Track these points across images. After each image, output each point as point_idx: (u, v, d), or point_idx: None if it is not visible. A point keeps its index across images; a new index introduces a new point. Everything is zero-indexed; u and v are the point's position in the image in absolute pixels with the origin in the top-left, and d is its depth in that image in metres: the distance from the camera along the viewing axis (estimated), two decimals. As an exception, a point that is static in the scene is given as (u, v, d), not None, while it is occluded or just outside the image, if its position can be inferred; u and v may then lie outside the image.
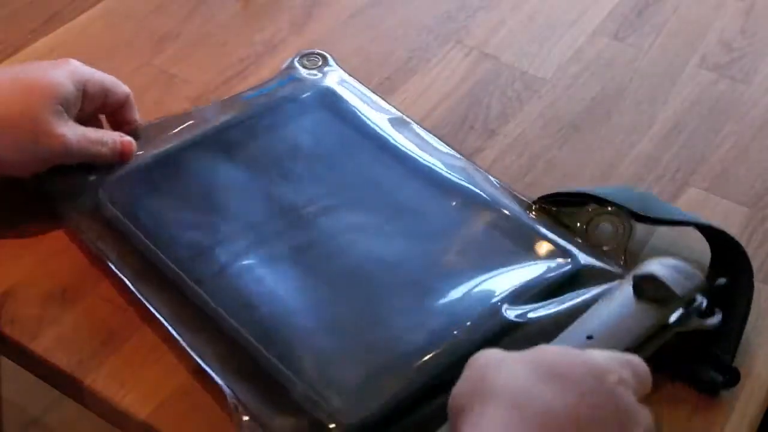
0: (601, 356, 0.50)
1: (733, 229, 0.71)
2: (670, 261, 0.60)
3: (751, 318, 0.64)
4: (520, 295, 0.62)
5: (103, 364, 0.60)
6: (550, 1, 0.93)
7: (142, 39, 0.85)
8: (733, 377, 0.61)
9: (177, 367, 0.60)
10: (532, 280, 0.63)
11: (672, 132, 0.79)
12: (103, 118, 0.73)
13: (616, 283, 0.61)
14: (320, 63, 0.81)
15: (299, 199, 0.68)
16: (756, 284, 0.66)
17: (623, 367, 0.50)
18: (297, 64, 0.81)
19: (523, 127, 0.79)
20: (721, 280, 0.62)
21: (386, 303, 0.62)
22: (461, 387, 0.49)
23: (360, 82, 0.80)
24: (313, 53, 0.82)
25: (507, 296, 0.62)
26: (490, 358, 0.50)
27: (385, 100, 0.78)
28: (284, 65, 0.81)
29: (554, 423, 0.46)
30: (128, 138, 0.71)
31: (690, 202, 0.73)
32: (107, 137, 0.69)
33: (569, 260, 0.65)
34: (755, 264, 0.68)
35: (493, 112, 0.80)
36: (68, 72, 0.68)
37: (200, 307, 0.61)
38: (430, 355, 0.58)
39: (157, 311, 0.61)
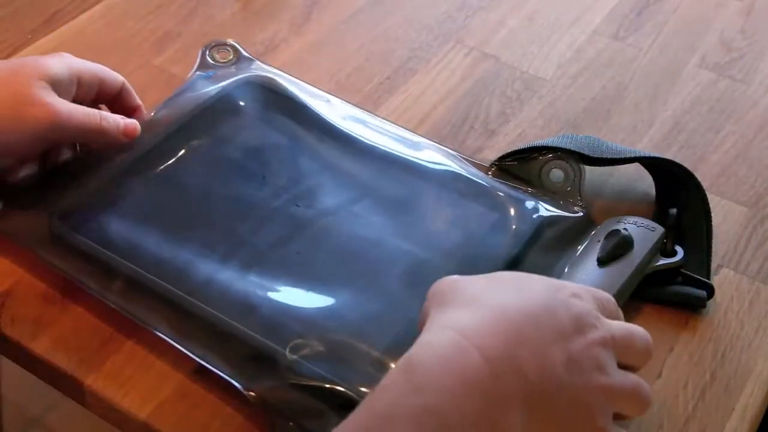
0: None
1: (732, 229, 0.71)
2: (629, 218, 0.67)
3: (752, 318, 0.65)
4: (495, 254, 0.65)
5: (103, 364, 0.60)
6: (550, 1, 0.93)
7: (142, 39, 0.85)
8: (710, 291, 0.65)
9: (177, 367, 0.60)
10: (504, 236, 0.66)
11: (672, 132, 0.79)
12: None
13: (589, 237, 0.67)
14: (231, 56, 0.79)
15: (263, 194, 0.68)
16: (756, 284, 0.67)
17: (583, 290, 0.53)
18: (209, 59, 0.79)
19: (523, 127, 0.79)
20: (672, 211, 0.68)
21: (377, 279, 0.63)
22: (430, 298, 0.54)
23: (279, 70, 0.79)
24: (223, 44, 0.79)
25: (483, 254, 0.65)
26: (456, 278, 0.54)
27: (319, 88, 0.78)
28: (197, 63, 0.79)
29: (509, 315, 0.50)
30: (131, 120, 0.69)
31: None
32: (108, 115, 0.68)
33: (534, 213, 0.68)
34: (755, 264, 0.68)
35: (493, 112, 0.80)
36: (61, 59, 0.67)
37: (199, 315, 0.60)
38: None
39: (152, 326, 0.60)
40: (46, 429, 1.34)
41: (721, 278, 0.67)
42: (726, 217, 0.72)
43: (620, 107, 0.81)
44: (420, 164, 0.72)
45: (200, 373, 0.59)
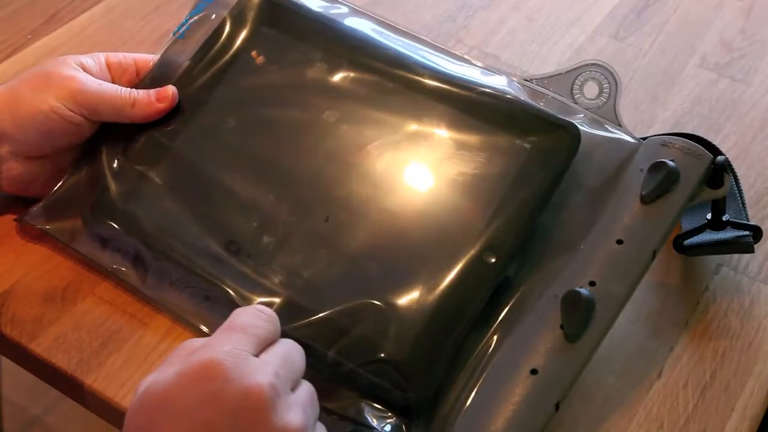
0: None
1: (733, 229, 0.71)
2: (673, 140, 0.61)
3: (752, 318, 0.65)
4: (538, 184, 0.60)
5: (103, 364, 0.60)
6: (550, 1, 0.93)
7: (142, 39, 0.85)
8: (757, 232, 0.63)
9: (177, 367, 0.60)
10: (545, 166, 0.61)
11: (672, 132, 0.79)
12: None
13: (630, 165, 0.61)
14: None
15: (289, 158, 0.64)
16: (756, 284, 0.67)
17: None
18: None
19: (523, 127, 0.79)
20: (721, 158, 0.61)
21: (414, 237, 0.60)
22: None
23: None
24: None
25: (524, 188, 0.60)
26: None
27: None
28: None
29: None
30: (167, 87, 0.67)
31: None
32: (137, 91, 0.66)
33: (572, 134, 0.62)
34: (755, 264, 0.68)
35: (493, 112, 0.80)
36: (92, 54, 0.68)
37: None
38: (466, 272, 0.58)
39: (186, 319, 0.61)
40: (46, 429, 1.34)
41: (721, 278, 0.67)
42: (726, 217, 0.72)
43: (620, 107, 0.81)
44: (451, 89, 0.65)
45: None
